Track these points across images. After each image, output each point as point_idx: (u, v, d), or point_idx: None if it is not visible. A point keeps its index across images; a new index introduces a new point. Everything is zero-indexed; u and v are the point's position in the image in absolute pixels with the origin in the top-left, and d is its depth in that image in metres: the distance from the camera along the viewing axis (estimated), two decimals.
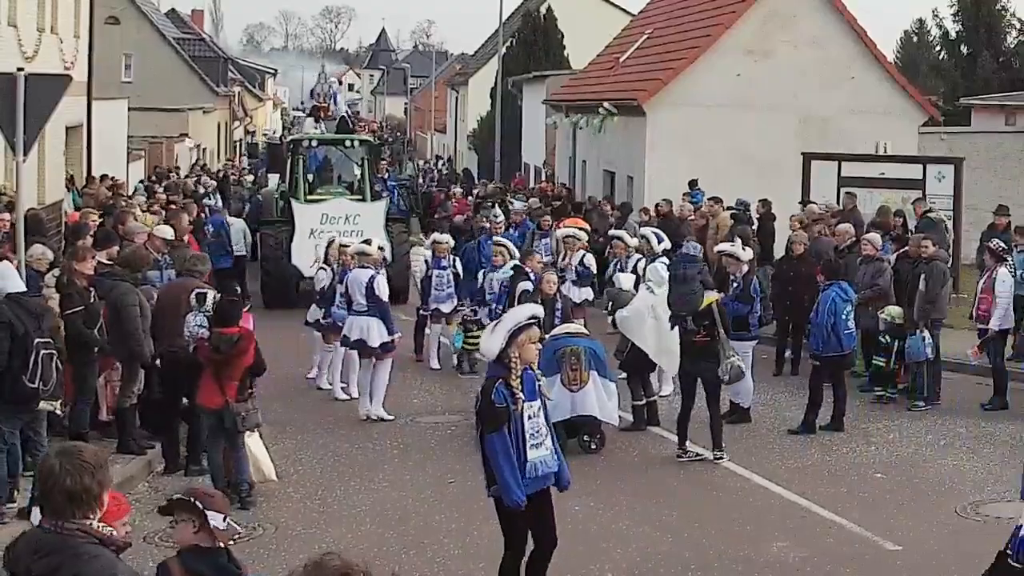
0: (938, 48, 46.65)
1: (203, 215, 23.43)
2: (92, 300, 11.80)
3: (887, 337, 15.23)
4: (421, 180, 48.29)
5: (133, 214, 18.09)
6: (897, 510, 11.13)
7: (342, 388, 15.70)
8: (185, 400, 12.13)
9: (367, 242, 15.38)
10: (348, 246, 15.58)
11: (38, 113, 12.00)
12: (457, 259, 18.06)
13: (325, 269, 16.35)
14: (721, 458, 12.57)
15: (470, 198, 34.29)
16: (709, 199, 22.29)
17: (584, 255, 18.16)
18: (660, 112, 27.25)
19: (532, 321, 8.15)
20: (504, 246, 17.26)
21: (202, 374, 11.26)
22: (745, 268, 14.70)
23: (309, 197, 23.69)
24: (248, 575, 6.20)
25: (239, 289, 17.73)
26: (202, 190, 29.91)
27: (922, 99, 28.45)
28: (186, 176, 36.85)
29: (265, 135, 71.43)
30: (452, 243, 18.28)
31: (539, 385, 8.31)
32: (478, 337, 15.36)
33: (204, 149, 53.14)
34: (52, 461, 4.77)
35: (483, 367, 12.77)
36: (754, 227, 20.82)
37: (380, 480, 12.13)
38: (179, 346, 11.81)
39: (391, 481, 12.08)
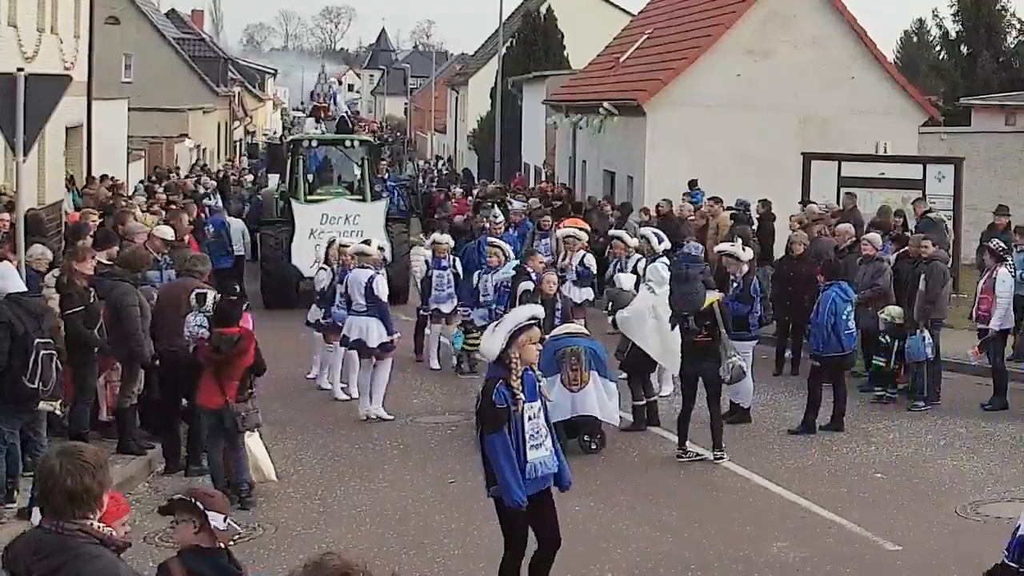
0: (938, 48, 46.66)
1: (203, 215, 23.43)
2: (92, 300, 11.80)
3: (887, 337, 15.23)
4: (421, 180, 48.30)
5: (133, 214, 18.09)
6: (897, 510, 11.13)
7: (342, 388, 15.70)
8: (185, 401, 12.13)
9: (367, 242, 15.38)
10: (348, 246, 15.58)
11: (38, 113, 12.00)
12: (457, 259, 18.05)
13: (325, 269, 16.35)
14: (721, 458, 12.58)
15: (470, 198, 34.29)
16: (709, 199, 22.29)
17: (584, 255, 18.16)
18: (660, 112, 27.25)
19: (532, 322, 8.15)
20: (499, 247, 17.24)
21: (202, 374, 11.26)
22: (745, 268, 14.70)
23: (309, 197, 23.68)
24: (248, 575, 6.20)
25: (238, 288, 17.73)
26: (202, 190, 29.92)
27: (922, 99, 28.45)
28: (186, 176, 36.86)
29: (265, 135, 71.44)
30: (452, 243, 18.27)
31: (539, 386, 8.31)
32: (478, 338, 15.38)
33: (204, 149, 53.14)
34: (53, 461, 4.77)
35: (483, 367, 12.77)
36: (754, 227, 20.82)
37: (380, 480, 12.13)
38: (179, 346, 11.81)
39: (391, 481, 12.08)
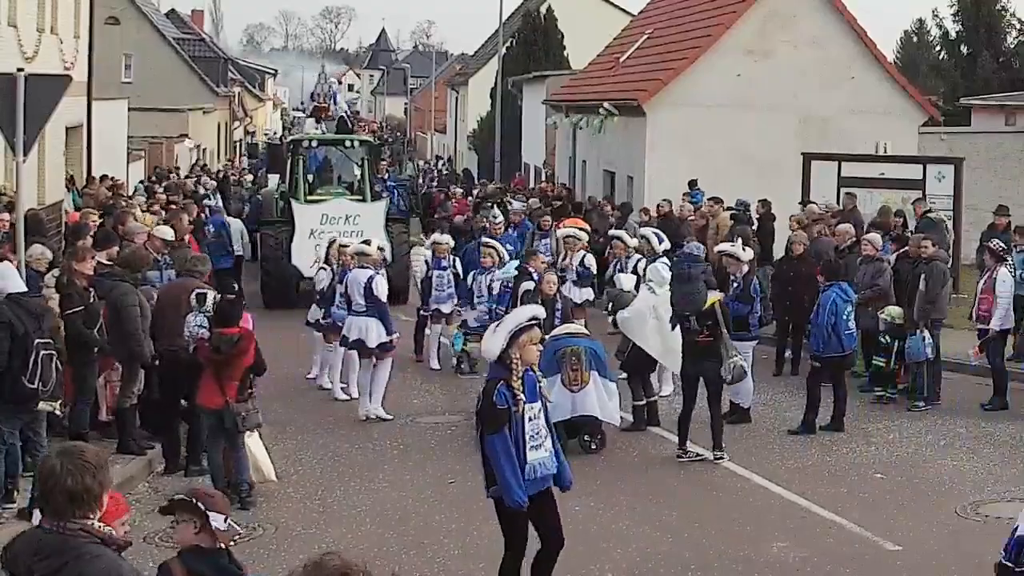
0: (938, 48, 46.67)
1: (203, 215, 23.45)
2: (92, 300, 11.80)
3: (887, 337, 15.23)
4: (421, 180, 48.30)
5: (133, 214, 18.09)
6: (897, 510, 11.13)
7: (342, 388, 15.70)
8: (184, 402, 12.13)
9: (367, 242, 15.38)
10: (348, 246, 15.59)
11: (38, 113, 12.00)
12: (457, 259, 18.04)
13: (325, 269, 16.36)
14: (721, 458, 12.58)
15: (470, 198, 34.29)
16: (709, 199, 22.29)
17: (584, 255, 18.16)
18: (660, 112, 27.25)
19: (533, 322, 8.15)
20: (493, 248, 17.21)
21: (202, 374, 11.26)
22: (745, 268, 14.70)
23: (309, 197, 23.69)
24: (248, 575, 6.20)
25: (236, 286, 17.75)
26: (202, 190, 29.92)
27: (922, 99, 28.45)
28: (186, 176, 36.86)
29: (266, 135, 71.46)
30: (452, 243, 18.27)
31: (540, 387, 8.31)
32: (474, 338, 15.41)
33: (204, 149, 53.16)
34: (53, 461, 4.77)
35: (483, 367, 12.77)
36: (754, 227, 20.82)
37: (380, 480, 12.13)
38: (179, 346, 11.81)
39: (391, 481, 12.08)
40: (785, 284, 16.79)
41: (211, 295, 11.82)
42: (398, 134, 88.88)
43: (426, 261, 17.77)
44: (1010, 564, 6.07)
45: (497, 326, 8.32)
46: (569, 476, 8.38)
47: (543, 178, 39.80)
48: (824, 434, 13.73)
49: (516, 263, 16.83)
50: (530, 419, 8.04)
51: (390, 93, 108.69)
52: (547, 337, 11.87)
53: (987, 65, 39.88)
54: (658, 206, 22.89)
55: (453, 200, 34.08)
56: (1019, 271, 16.09)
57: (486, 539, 9.53)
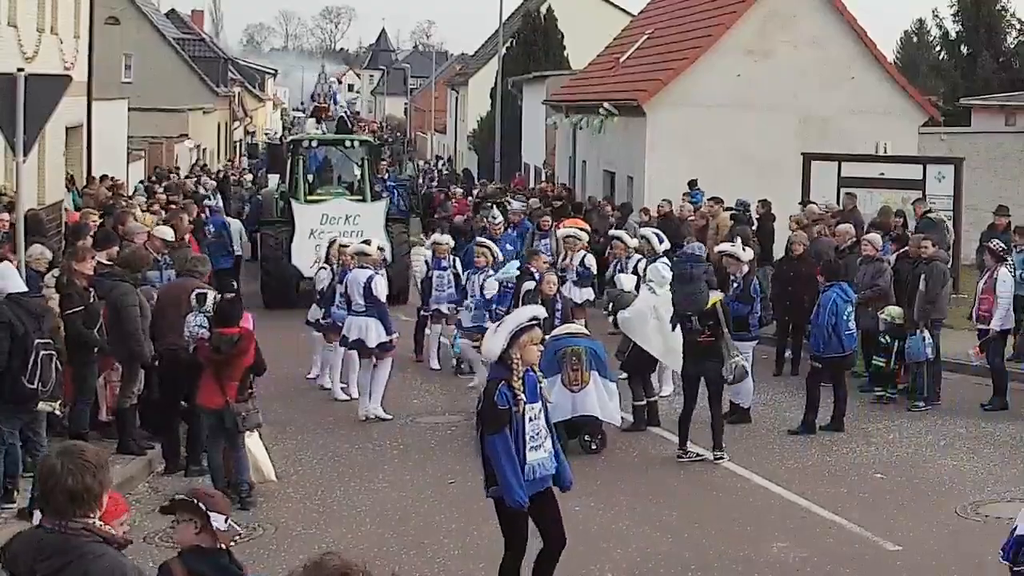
0: (938, 48, 46.67)
1: (203, 215, 23.45)
2: (92, 300, 11.80)
3: (887, 337, 15.23)
4: (421, 180, 48.31)
5: (133, 214, 18.09)
6: (897, 510, 11.13)
7: (342, 388, 15.70)
8: (184, 403, 12.13)
9: (366, 242, 15.38)
10: (348, 246, 15.59)
11: (38, 113, 12.00)
12: (457, 259, 18.04)
13: (326, 268, 16.36)
14: (721, 458, 12.58)
15: (470, 198, 34.30)
16: (709, 199, 22.28)
17: (584, 255, 18.17)
18: (660, 112, 27.25)
19: (534, 322, 8.15)
20: (487, 247, 17.18)
21: (202, 374, 11.26)
22: (745, 268, 14.70)
23: (309, 197, 23.70)
24: (248, 575, 6.20)
25: (235, 285, 17.78)
26: (202, 191, 29.93)
27: (922, 99, 28.45)
28: (186, 176, 36.86)
29: (266, 135, 71.46)
30: (452, 244, 18.26)
31: (540, 387, 8.31)
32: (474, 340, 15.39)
33: (204, 149, 53.17)
34: (53, 460, 4.77)
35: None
36: (754, 227, 20.82)
37: (380, 480, 12.13)
38: (179, 346, 11.81)
39: (391, 481, 12.08)
40: (785, 284, 16.79)
41: (211, 295, 11.82)
42: (398, 134, 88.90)
43: (426, 261, 17.76)
44: (1007, 563, 6.09)
45: (498, 326, 8.32)
46: (569, 476, 8.38)
47: (543, 178, 39.80)
48: (824, 434, 13.73)
49: (516, 263, 16.81)
50: (530, 419, 8.03)
51: (390, 93, 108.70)
52: (547, 337, 11.87)
53: (987, 65, 39.88)
54: (659, 206, 22.90)
55: (453, 200, 34.08)
56: (1019, 271, 16.09)
57: (486, 539, 9.53)
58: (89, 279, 11.97)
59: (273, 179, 29.24)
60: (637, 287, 14.88)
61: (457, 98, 67.72)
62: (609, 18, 50.60)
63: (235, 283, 17.58)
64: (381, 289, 14.57)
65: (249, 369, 11.15)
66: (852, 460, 12.89)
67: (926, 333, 14.92)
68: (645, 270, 15.21)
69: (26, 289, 10.76)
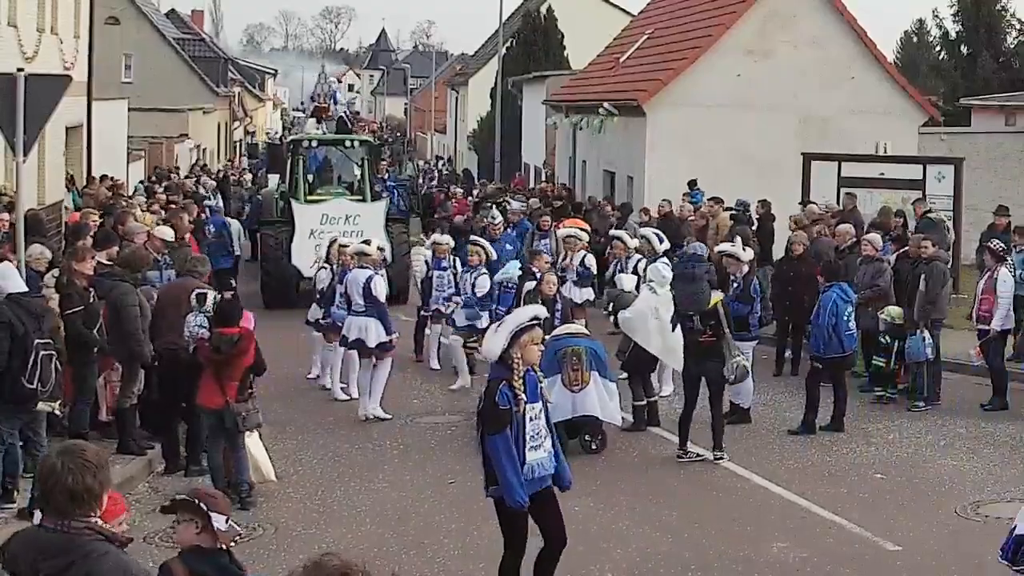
0: (938, 48, 46.66)
1: (203, 215, 23.47)
2: (92, 300, 11.80)
3: (887, 337, 15.23)
4: (421, 180, 48.31)
5: (133, 214, 18.09)
6: (897, 510, 11.13)
7: (342, 388, 15.71)
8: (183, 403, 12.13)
9: (366, 242, 15.38)
10: (347, 246, 15.59)
11: (38, 113, 11.99)
12: (457, 259, 18.02)
13: (326, 268, 16.36)
14: (721, 458, 12.57)
15: (470, 198, 34.30)
16: (709, 199, 22.28)
17: (584, 256, 18.17)
18: (660, 112, 27.26)
19: (535, 322, 8.15)
20: (480, 246, 17.16)
21: (202, 374, 11.26)
22: (745, 268, 14.70)
23: (309, 197, 23.70)
24: (248, 575, 6.20)
25: (233, 283, 17.77)
26: (202, 191, 29.94)
27: (922, 99, 28.45)
28: (186, 176, 36.88)
29: (267, 135, 71.47)
30: (452, 244, 18.24)
31: (541, 387, 8.31)
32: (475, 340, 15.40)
33: (204, 149, 53.17)
34: (54, 460, 4.77)
35: (483, 368, 12.78)
36: (753, 227, 20.82)
37: (380, 480, 12.13)
38: (179, 345, 11.80)
39: (391, 481, 12.08)
40: (785, 284, 16.79)
41: (211, 295, 11.83)
42: (398, 134, 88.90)
43: (426, 261, 17.75)
44: (1006, 563, 6.10)
45: (498, 326, 8.32)
46: (568, 476, 8.37)
47: (543, 178, 39.81)
48: (824, 434, 13.73)
49: (516, 263, 16.81)
50: (531, 419, 8.03)
51: (390, 93, 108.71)
52: (547, 338, 11.87)
53: (987, 65, 39.87)
54: (659, 206, 22.90)
55: (453, 200, 34.08)
56: (1019, 271, 16.10)
57: (486, 539, 9.52)
58: (89, 279, 11.97)
59: (273, 179, 29.25)
60: (637, 287, 14.88)
61: (457, 98, 67.72)
62: (609, 18, 50.60)
63: (232, 281, 17.60)
64: (380, 289, 14.57)
65: (249, 369, 11.15)
66: (852, 460, 12.89)
67: (926, 333, 14.92)
68: (645, 270, 15.21)
69: (26, 289, 10.76)
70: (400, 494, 11.62)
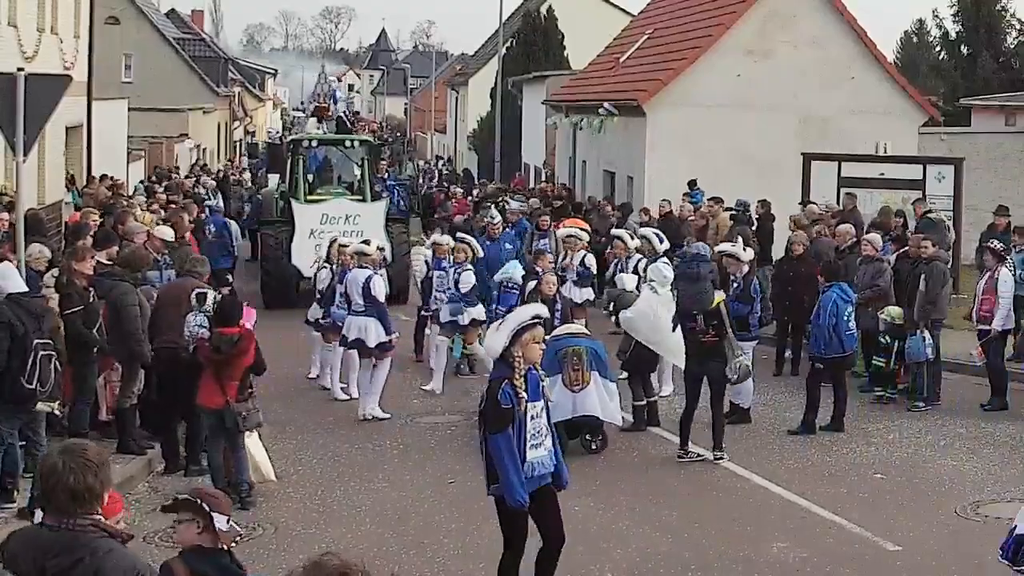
0: (938, 48, 46.65)
1: (203, 215, 23.47)
2: (92, 300, 11.80)
3: (887, 337, 15.23)
4: (421, 180, 48.30)
5: (133, 214, 18.09)
6: (897, 510, 11.13)
7: (342, 388, 15.71)
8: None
9: (366, 242, 15.38)
10: (347, 246, 15.58)
11: (38, 113, 11.99)
12: None
13: (326, 268, 16.36)
14: (721, 458, 12.57)
15: (470, 198, 34.29)
16: (709, 199, 22.29)
17: (585, 255, 18.17)
18: (660, 112, 27.26)
19: (536, 321, 8.15)
20: (467, 243, 17.12)
21: (202, 374, 11.26)
22: (745, 268, 14.70)
23: (309, 197, 23.70)
24: (248, 575, 6.20)
25: (230, 280, 17.75)
26: (202, 191, 29.94)
27: (922, 99, 28.45)
28: (185, 176, 36.88)
29: (268, 135, 71.46)
30: (452, 244, 18.23)
31: (542, 386, 8.31)
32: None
33: (204, 149, 53.17)
34: (55, 459, 4.77)
35: (483, 368, 12.78)
36: (753, 227, 20.82)
37: (380, 480, 12.13)
38: (178, 345, 11.80)
39: (391, 481, 12.08)
40: (785, 284, 16.80)
41: (211, 295, 11.82)
42: (398, 134, 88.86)
43: (426, 261, 17.74)
44: (1004, 562, 6.11)
45: (500, 324, 8.32)
46: (566, 476, 8.36)
47: (543, 178, 39.80)
48: (824, 434, 13.74)
49: (516, 263, 16.80)
50: (532, 418, 8.03)
51: (390, 93, 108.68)
52: (548, 337, 11.87)
53: (987, 65, 39.87)
54: (659, 206, 22.89)
55: (453, 200, 34.08)
56: (1019, 271, 16.10)
57: (486, 539, 9.53)
58: (89, 279, 11.96)
59: (273, 179, 29.25)
60: (638, 287, 14.87)
61: (457, 98, 67.71)
62: (609, 18, 50.60)
63: (228, 277, 17.60)
64: (379, 289, 14.57)
65: (249, 369, 11.16)
66: (852, 460, 12.89)
67: (926, 333, 14.92)
68: (646, 270, 15.21)
69: (26, 289, 10.76)
70: (400, 494, 11.63)
